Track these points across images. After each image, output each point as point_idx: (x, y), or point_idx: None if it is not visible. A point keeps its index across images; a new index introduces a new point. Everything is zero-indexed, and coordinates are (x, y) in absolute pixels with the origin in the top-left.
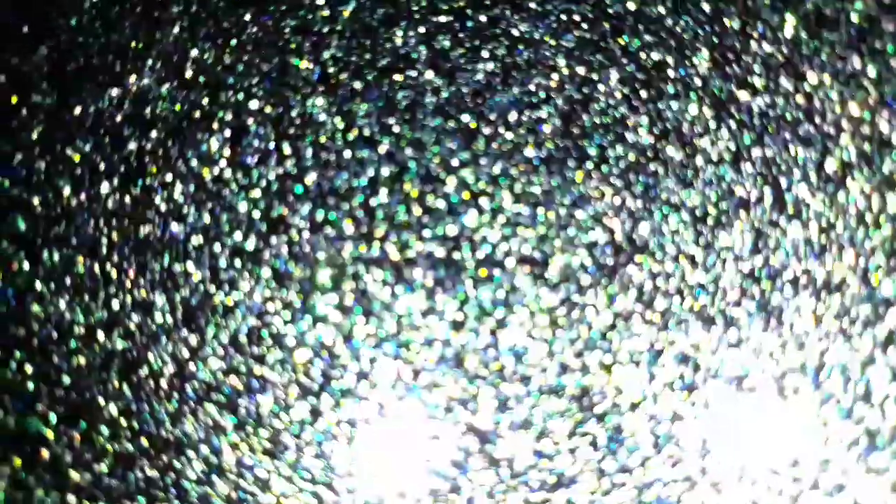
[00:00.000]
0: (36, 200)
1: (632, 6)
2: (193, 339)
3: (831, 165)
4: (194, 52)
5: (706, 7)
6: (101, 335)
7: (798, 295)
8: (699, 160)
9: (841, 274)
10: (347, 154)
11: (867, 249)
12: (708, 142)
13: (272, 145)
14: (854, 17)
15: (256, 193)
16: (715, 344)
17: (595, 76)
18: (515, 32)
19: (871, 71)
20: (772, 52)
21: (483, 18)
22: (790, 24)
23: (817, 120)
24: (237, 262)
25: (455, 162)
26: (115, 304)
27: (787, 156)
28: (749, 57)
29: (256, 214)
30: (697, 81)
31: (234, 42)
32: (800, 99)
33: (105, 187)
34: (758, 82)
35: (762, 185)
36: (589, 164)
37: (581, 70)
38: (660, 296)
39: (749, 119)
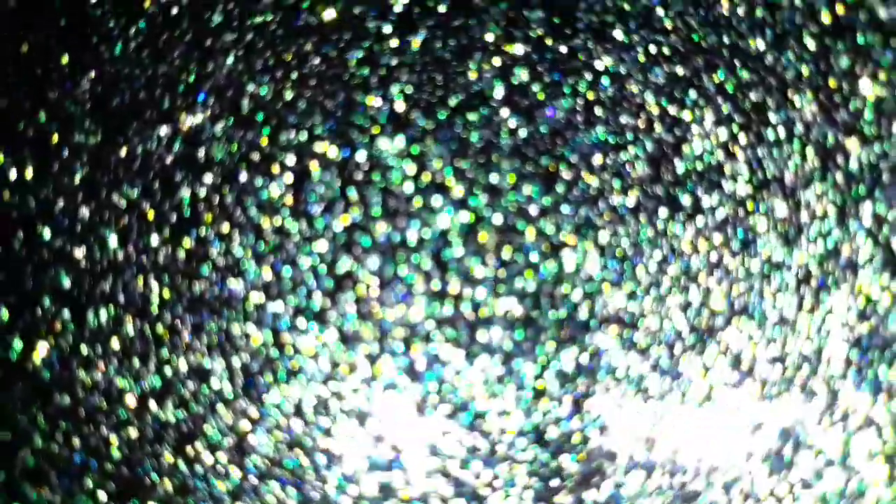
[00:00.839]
0: (79, 253)
1: (727, 40)
2: (254, 410)
3: None
4: (251, 87)
5: (810, 43)
6: (153, 404)
7: None
8: (803, 215)
9: None
10: (418, 201)
11: None
12: (812, 195)
13: (338, 192)
14: None
15: (321, 246)
16: (817, 418)
17: (688, 117)
18: (599, 66)
19: None
20: (884, 97)
21: (563, 49)
22: None
23: None
24: (301, 323)
25: (534, 210)
26: (168, 370)
27: None
28: (858, 100)
29: (322, 270)
30: (800, 127)
31: (294, 76)
32: None
33: (155, 239)
34: (867, 129)
35: (872, 245)
36: (681, 215)
37: (672, 109)
38: (759, 364)
39: (858, 170)
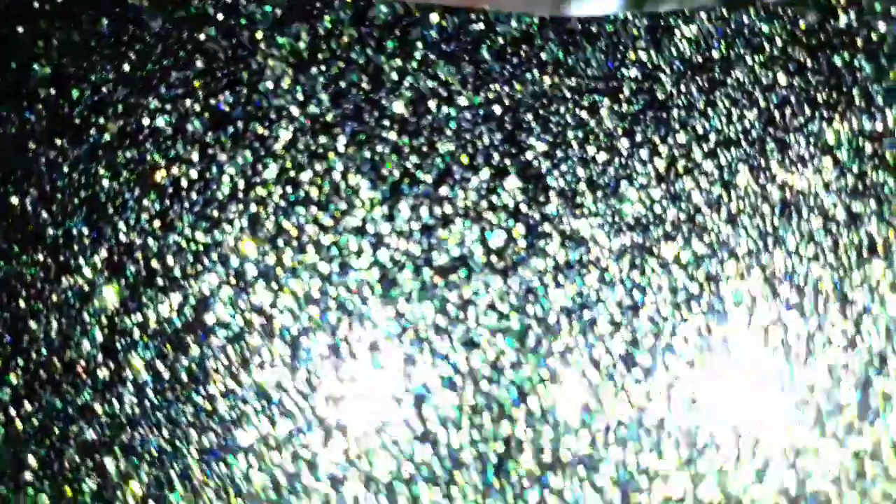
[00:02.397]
0: (99, 408)
1: (683, 216)
2: None
3: None
4: (253, 254)
5: (761, 223)
6: None
7: None
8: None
9: None
10: (403, 356)
11: None
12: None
13: (331, 349)
14: None
15: (315, 400)
16: None
17: (644, 283)
18: (567, 230)
19: None
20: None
21: (536, 215)
22: None
23: (862, 347)
24: (297, 469)
25: (505, 362)
26: None
27: None
28: (800, 278)
29: (314, 421)
30: (748, 299)
31: (294, 243)
32: (846, 325)
33: (169, 395)
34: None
35: None
36: (637, 371)
37: (635, 275)
38: None
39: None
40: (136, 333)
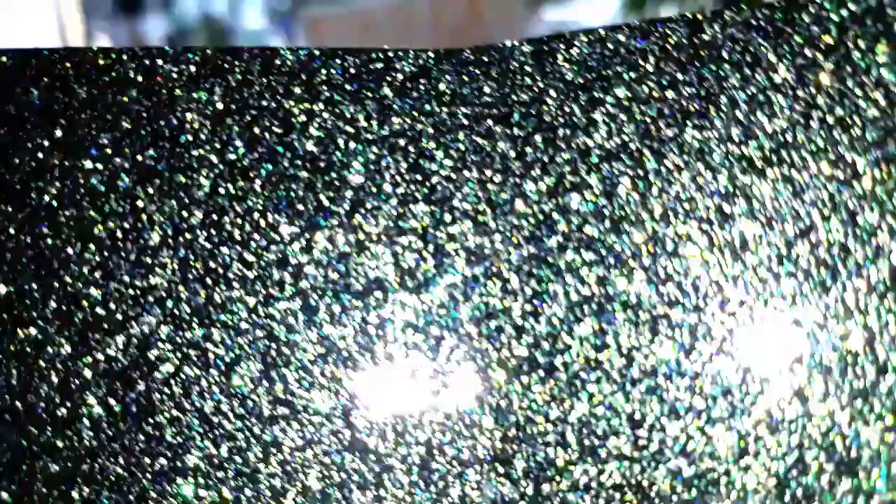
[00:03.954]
0: (60, 443)
1: (574, 224)
2: None
3: None
4: (185, 294)
5: (642, 228)
6: None
7: None
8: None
9: None
10: (328, 376)
11: None
12: (642, 355)
13: (262, 374)
14: None
15: (251, 421)
16: None
17: (542, 290)
18: (472, 246)
19: None
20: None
21: (444, 236)
22: None
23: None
24: (240, 483)
25: (423, 372)
26: None
27: None
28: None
29: (252, 440)
30: (633, 299)
31: (221, 281)
32: (724, 317)
33: (122, 426)
34: (687, 302)
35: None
36: (540, 372)
37: (532, 284)
38: None
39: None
40: (88, 374)
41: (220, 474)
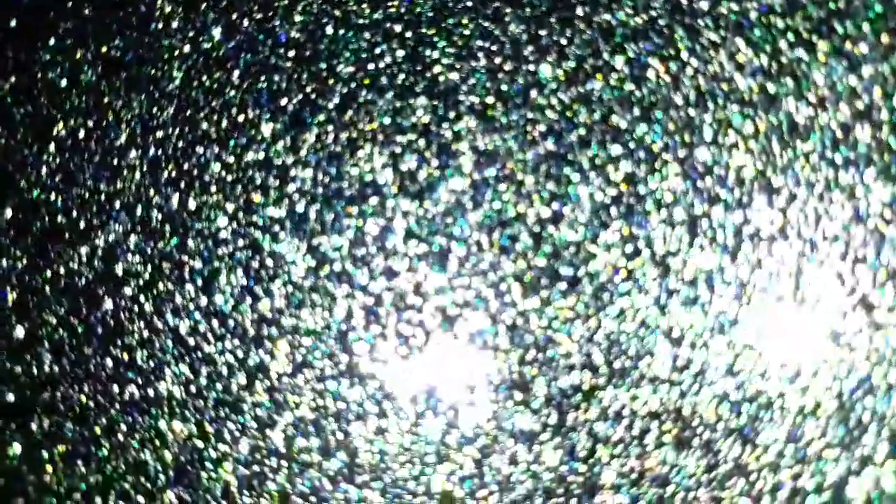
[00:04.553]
0: (18, 369)
1: (597, 115)
2: (187, 496)
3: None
4: (157, 199)
5: (675, 116)
6: (98, 500)
7: None
8: (672, 280)
9: None
10: (321, 291)
11: None
12: (680, 261)
13: (244, 290)
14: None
15: (233, 342)
16: None
17: (562, 192)
18: (481, 146)
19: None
20: (744, 164)
21: (448, 134)
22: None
23: (792, 235)
24: (221, 414)
25: (429, 287)
26: (108, 467)
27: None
28: (721, 169)
29: (235, 364)
30: (668, 196)
31: (197, 184)
32: (773, 215)
33: (86, 350)
34: (730, 197)
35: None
36: (561, 285)
37: (550, 185)
38: None
39: (723, 237)
40: (47, 290)
41: (199, 403)
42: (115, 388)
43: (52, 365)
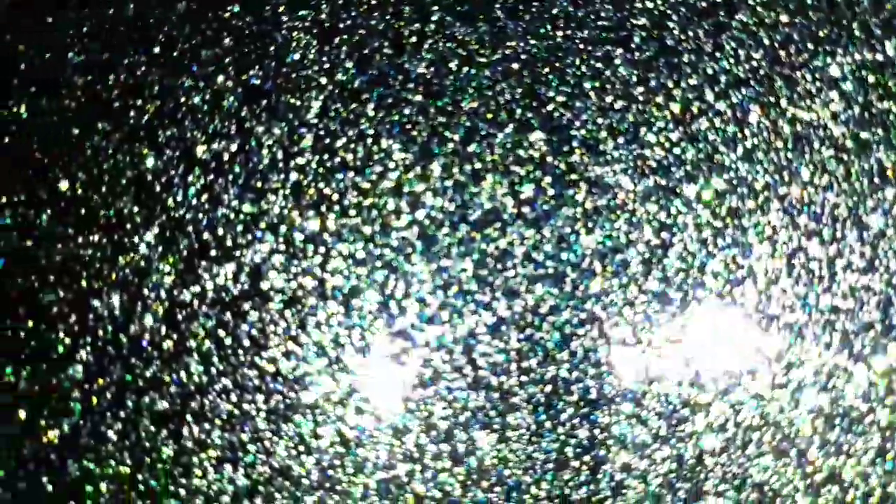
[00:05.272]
0: (168, 378)
1: (702, 154)
2: (329, 500)
3: None
4: (299, 221)
5: (775, 157)
6: (245, 503)
7: None
8: (773, 306)
9: None
10: (443, 306)
11: None
12: (780, 290)
13: (381, 306)
14: None
15: (369, 356)
16: None
17: (671, 222)
18: (593, 177)
19: None
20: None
21: (563, 166)
22: None
23: (881, 267)
24: (356, 422)
25: (545, 307)
26: (255, 474)
27: None
28: (818, 206)
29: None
30: (769, 230)
31: (336, 208)
32: (864, 249)
33: (233, 360)
34: (826, 233)
35: None
36: (671, 308)
37: (661, 216)
38: None
39: (818, 271)
40: (196, 304)
41: (340, 411)
42: (261, 398)
43: (201, 375)
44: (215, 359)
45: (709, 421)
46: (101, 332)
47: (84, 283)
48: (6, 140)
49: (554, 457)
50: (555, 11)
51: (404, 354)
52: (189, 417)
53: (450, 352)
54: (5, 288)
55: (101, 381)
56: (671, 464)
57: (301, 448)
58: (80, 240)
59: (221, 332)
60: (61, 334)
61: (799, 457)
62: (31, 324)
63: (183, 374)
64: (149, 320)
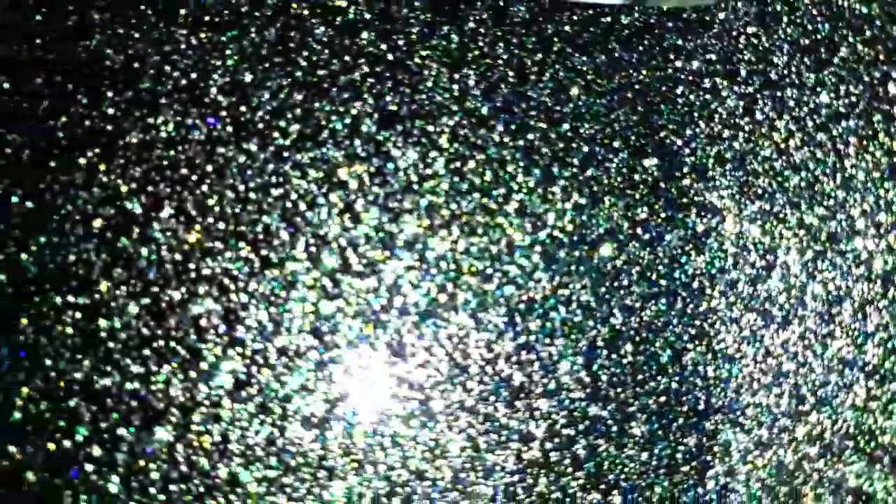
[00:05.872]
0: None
1: (804, 182)
2: (464, 502)
3: None
4: (431, 241)
5: (872, 188)
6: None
7: None
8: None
9: None
10: (570, 324)
11: None
12: (875, 309)
13: (506, 324)
14: None
15: (496, 367)
16: None
17: (775, 245)
18: (704, 201)
19: None
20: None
21: (674, 190)
22: None
23: None
24: (489, 427)
25: (658, 322)
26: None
27: None
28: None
29: (501, 383)
30: (864, 255)
31: (465, 229)
32: None
33: None
34: None
35: None
36: (774, 326)
37: (766, 239)
38: None
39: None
40: (339, 317)
41: (472, 419)
42: (398, 405)
43: (343, 381)
44: (357, 368)
45: (808, 429)
46: (249, 343)
47: (234, 297)
48: (158, 158)
49: (665, 462)
50: (665, 44)
51: (529, 366)
52: (333, 422)
53: (571, 364)
54: (159, 301)
55: (248, 389)
56: (772, 469)
57: (436, 452)
58: (228, 254)
59: (362, 344)
60: (211, 345)
61: (892, 464)
62: (181, 334)
63: (326, 382)
64: (294, 332)
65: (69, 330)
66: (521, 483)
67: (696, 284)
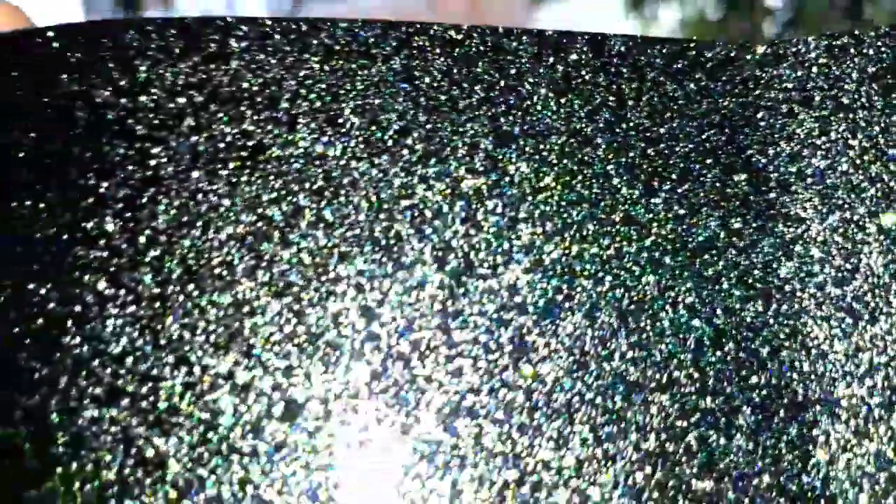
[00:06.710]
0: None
1: (879, 193)
2: None
3: None
4: (547, 248)
5: None
6: None
7: None
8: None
9: None
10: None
11: None
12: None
13: (621, 325)
14: None
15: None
16: None
17: (857, 251)
18: (791, 213)
19: None
20: None
21: (762, 203)
22: None
23: None
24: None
25: (758, 323)
26: None
27: None
28: None
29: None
30: None
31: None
32: None
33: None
34: None
35: None
36: (863, 322)
37: (848, 245)
38: None
39: None
40: (465, 314)
41: (592, 412)
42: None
43: (472, 377)
44: (482, 362)
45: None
46: (383, 339)
47: (366, 298)
48: (297, 171)
49: (770, 452)
50: (745, 74)
51: (641, 362)
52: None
53: (680, 361)
54: (300, 300)
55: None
56: (870, 457)
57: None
58: (363, 258)
59: (484, 338)
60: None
61: None
62: (321, 331)
63: (454, 376)
64: (419, 330)
65: (212, 327)
66: (639, 471)
67: (787, 287)
